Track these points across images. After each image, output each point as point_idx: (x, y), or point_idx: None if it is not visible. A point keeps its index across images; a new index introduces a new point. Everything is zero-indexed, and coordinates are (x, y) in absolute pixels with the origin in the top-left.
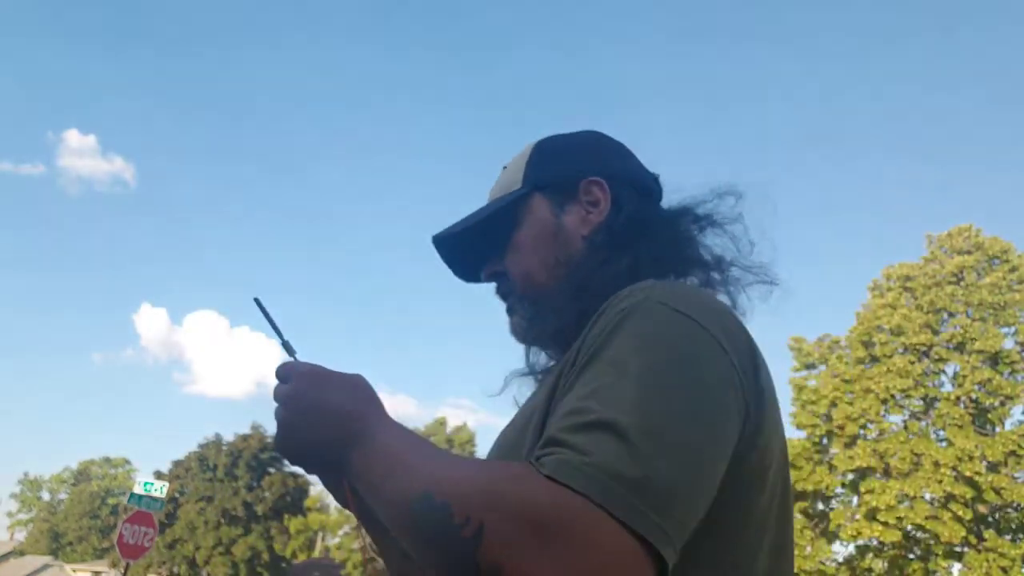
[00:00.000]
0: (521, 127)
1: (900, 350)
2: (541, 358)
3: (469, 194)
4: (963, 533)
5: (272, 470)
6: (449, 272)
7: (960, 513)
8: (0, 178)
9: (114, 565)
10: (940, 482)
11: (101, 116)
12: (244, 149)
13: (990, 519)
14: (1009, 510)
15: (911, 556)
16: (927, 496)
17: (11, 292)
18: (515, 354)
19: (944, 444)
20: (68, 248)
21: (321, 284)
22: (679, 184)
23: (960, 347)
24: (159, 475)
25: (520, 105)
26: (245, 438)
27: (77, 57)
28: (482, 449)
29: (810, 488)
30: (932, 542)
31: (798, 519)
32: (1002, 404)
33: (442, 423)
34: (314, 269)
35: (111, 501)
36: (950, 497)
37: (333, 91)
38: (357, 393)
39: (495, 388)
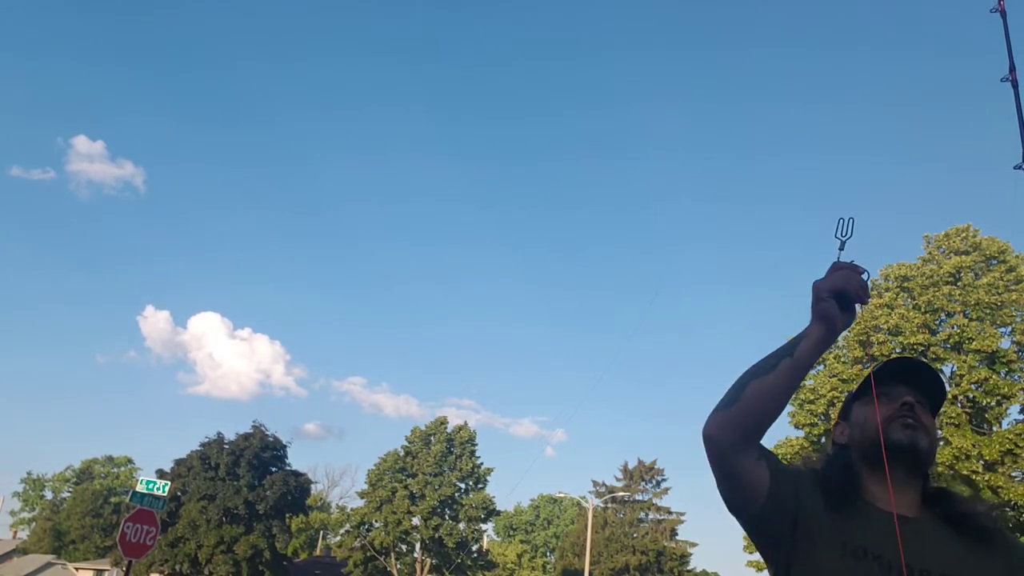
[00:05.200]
0: (520, 129)
1: (898, 350)
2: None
3: (473, 197)
4: None
5: (274, 469)
6: (450, 275)
7: None
8: (11, 183)
9: (116, 563)
10: (937, 481)
11: (109, 122)
12: (249, 154)
13: None
14: (1006, 509)
15: None
16: None
17: (17, 293)
18: (514, 363)
19: (941, 443)
20: (75, 251)
21: (326, 286)
22: None
23: (957, 347)
24: (161, 474)
25: (518, 107)
26: (247, 437)
27: (85, 65)
28: (482, 447)
29: None
30: None
31: None
32: (999, 403)
33: (443, 422)
34: (319, 272)
35: (113, 500)
36: None
37: (338, 96)
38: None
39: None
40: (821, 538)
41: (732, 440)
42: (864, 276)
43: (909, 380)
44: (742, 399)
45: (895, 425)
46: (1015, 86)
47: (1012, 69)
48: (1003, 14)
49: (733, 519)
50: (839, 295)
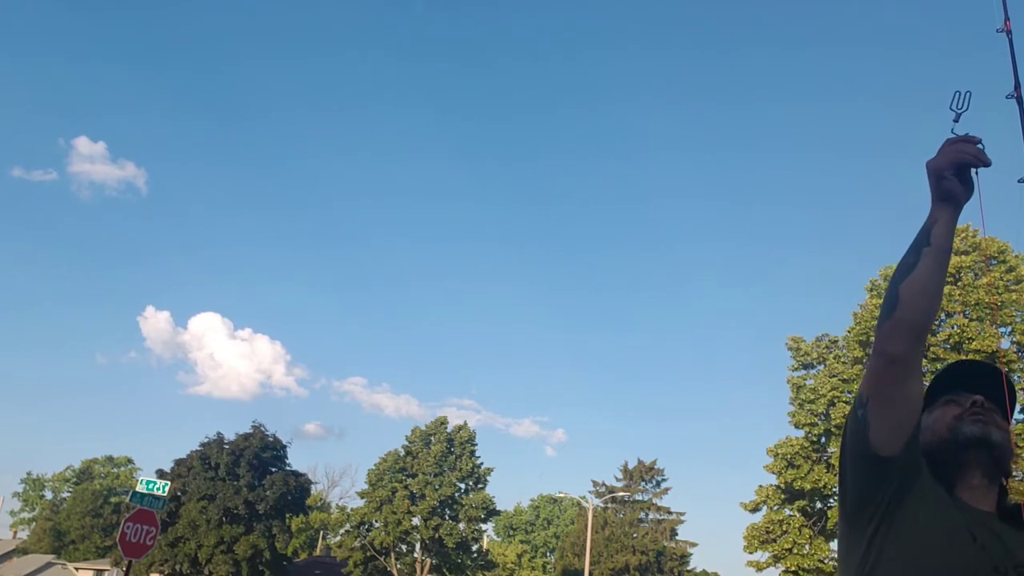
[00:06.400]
0: (519, 128)
1: None
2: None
3: (474, 196)
4: None
5: (274, 469)
6: (450, 275)
7: None
8: (13, 184)
9: (116, 563)
10: None
11: (111, 123)
12: (249, 154)
13: None
14: None
15: None
16: None
17: (18, 293)
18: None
19: None
20: (76, 251)
21: (326, 286)
22: None
23: (957, 347)
24: (161, 474)
25: (518, 106)
26: (247, 437)
27: (85, 65)
28: (482, 447)
29: (808, 487)
30: None
31: (797, 517)
32: None
33: (443, 422)
34: (320, 272)
35: (113, 500)
36: None
37: (338, 95)
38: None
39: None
40: (931, 508)
41: (906, 341)
42: (980, 145)
43: (977, 384)
44: (900, 301)
45: (965, 420)
46: (1020, 103)
47: (1017, 87)
48: (1009, 34)
49: (734, 518)
50: (957, 169)
